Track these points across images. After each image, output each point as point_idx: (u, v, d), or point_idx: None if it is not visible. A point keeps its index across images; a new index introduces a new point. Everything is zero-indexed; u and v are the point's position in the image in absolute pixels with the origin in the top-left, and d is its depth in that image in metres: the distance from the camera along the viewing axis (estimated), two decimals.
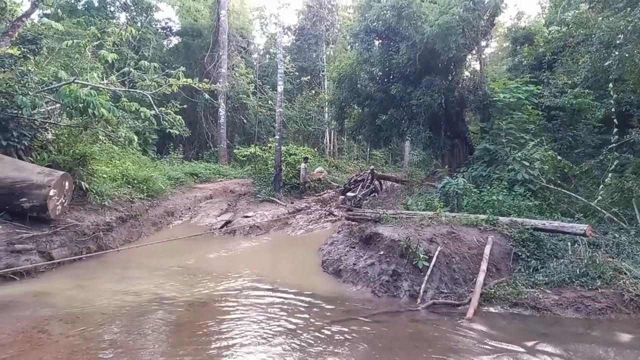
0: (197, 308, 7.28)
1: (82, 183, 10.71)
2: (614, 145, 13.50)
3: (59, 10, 12.41)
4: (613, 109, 14.49)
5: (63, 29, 11.84)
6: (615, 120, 14.12)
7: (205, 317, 6.93)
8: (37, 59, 11.58)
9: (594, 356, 5.78)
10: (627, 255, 8.77)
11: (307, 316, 6.99)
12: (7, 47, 10.27)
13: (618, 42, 11.74)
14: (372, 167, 21.15)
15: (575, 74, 16.50)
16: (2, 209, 9.03)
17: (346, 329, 6.55)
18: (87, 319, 6.52)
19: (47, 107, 11.06)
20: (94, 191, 10.98)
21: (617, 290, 7.48)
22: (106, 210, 11.19)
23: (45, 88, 10.60)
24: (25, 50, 10.72)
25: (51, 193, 9.12)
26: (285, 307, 7.40)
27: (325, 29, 32.17)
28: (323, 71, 30.48)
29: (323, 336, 6.23)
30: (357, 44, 18.09)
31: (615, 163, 12.76)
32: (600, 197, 11.55)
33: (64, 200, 9.69)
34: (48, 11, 18.66)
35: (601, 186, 12.14)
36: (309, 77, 31.30)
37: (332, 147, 31.01)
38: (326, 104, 27.92)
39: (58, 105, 10.80)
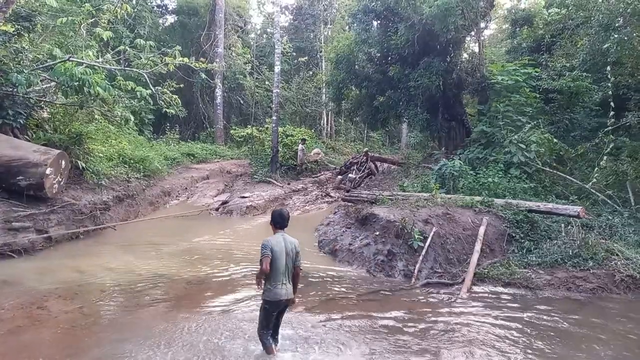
0: (194, 286, 7.37)
1: (79, 162, 10.67)
2: (610, 128, 13.50)
3: None
4: (610, 92, 14.43)
5: (57, 6, 11.63)
6: (612, 104, 14.08)
7: (202, 295, 7.03)
8: (31, 36, 11.40)
9: (580, 331, 5.91)
10: (620, 237, 8.92)
11: (301, 295, 7.07)
12: (1, 23, 10.07)
13: (617, 25, 11.67)
14: (366, 149, 21.11)
15: (573, 56, 16.40)
16: None
17: (341, 307, 6.67)
18: (85, 295, 6.61)
19: (42, 85, 10.93)
20: (91, 170, 10.95)
21: (609, 271, 7.64)
22: (103, 190, 11.19)
23: (40, 66, 10.46)
24: (19, 27, 10.53)
25: (47, 171, 9.11)
26: None
27: (323, 9, 31.67)
28: (321, 52, 30.11)
29: (318, 315, 6.34)
30: (355, 25, 17.88)
31: (611, 146, 12.80)
32: (595, 180, 11.64)
33: (60, 179, 9.68)
34: None
35: (596, 169, 12.22)
36: (306, 57, 30.91)
37: (329, 129, 30.87)
38: (323, 85, 27.71)
39: (53, 83, 10.68)
